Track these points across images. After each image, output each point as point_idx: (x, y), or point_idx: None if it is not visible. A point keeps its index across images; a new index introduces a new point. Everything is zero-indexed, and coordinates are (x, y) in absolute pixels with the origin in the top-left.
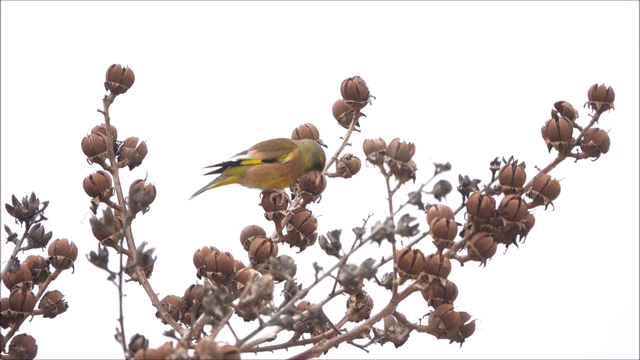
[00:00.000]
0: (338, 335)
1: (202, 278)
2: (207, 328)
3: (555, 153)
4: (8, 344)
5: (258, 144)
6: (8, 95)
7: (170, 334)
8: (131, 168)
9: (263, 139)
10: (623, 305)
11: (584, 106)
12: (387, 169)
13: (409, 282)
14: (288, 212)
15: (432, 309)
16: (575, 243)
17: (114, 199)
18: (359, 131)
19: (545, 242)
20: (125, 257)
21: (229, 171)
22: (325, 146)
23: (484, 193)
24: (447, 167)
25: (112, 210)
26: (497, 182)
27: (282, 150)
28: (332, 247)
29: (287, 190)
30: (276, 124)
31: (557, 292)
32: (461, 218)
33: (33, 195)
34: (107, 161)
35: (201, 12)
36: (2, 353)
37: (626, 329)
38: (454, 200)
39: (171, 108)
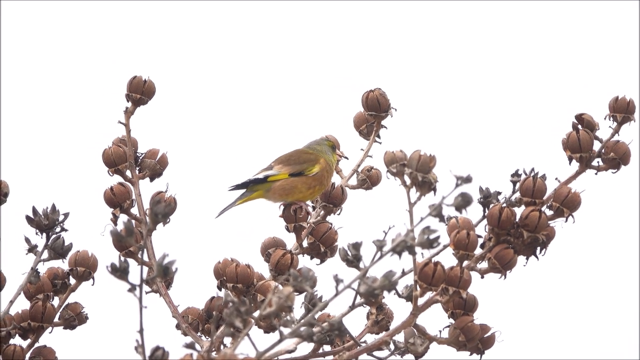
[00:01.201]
0: (358, 347)
1: (223, 290)
2: (227, 340)
3: (575, 165)
4: (28, 355)
5: (281, 158)
6: (28, 107)
7: (190, 345)
8: (152, 180)
9: (283, 153)
10: None
11: (605, 118)
12: (408, 181)
13: (429, 295)
14: (309, 224)
15: (452, 321)
16: (594, 255)
17: (134, 210)
18: (380, 143)
19: (566, 254)
20: (145, 269)
21: (254, 187)
22: (347, 158)
23: (504, 205)
24: (467, 179)
25: (133, 221)
26: (517, 194)
27: (307, 163)
28: (353, 259)
29: (308, 202)
30: (297, 135)
31: (576, 304)
32: (482, 230)
33: (54, 206)
34: (128, 173)
35: (221, 23)
36: None
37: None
38: (474, 212)
39: (192, 119)
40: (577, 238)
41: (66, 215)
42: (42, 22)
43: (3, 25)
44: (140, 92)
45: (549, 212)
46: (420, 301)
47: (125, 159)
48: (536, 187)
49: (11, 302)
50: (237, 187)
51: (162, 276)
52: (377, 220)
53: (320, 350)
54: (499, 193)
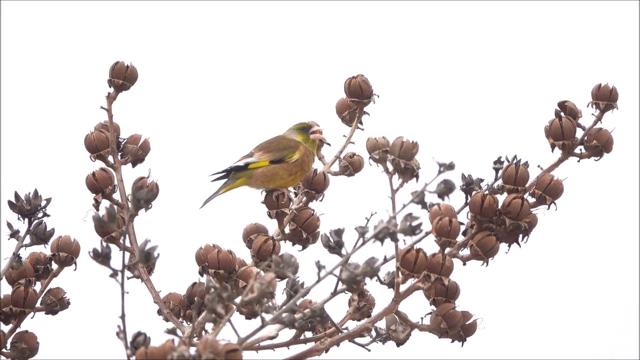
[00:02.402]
0: (340, 334)
1: (204, 276)
2: (209, 326)
3: (558, 153)
4: (10, 340)
5: (261, 145)
6: (10, 93)
7: (172, 331)
8: (134, 165)
9: (263, 140)
10: (623, 305)
11: (588, 106)
12: (390, 167)
13: (411, 281)
14: (290, 210)
15: (434, 308)
16: (576, 242)
17: (116, 196)
18: (363, 129)
19: (548, 242)
20: (127, 255)
21: (236, 174)
22: (329, 144)
23: (486, 192)
24: (450, 166)
25: (115, 207)
26: (500, 182)
27: (288, 150)
28: (335, 245)
29: (290, 189)
30: (279, 122)
31: (558, 292)
32: (464, 217)
33: (35, 191)
34: (110, 158)
35: (203, 11)
36: (4, 350)
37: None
38: (456, 199)
39: (173, 105)
40: (559, 225)
41: (48, 200)
42: (19, 11)
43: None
44: (122, 78)
45: (532, 200)
46: (402, 288)
47: (108, 145)
48: (518, 174)
49: None
50: (219, 176)
51: (144, 262)
52: (360, 206)
53: (302, 337)
54: (482, 180)
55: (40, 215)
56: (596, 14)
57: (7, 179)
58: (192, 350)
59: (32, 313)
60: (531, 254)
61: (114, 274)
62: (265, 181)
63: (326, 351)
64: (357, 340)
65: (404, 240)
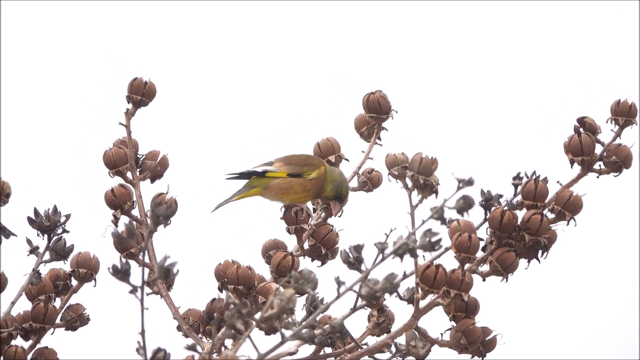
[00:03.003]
0: (359, 350)
1: (224, 292)
2: (229, 342)
3: (577, 168)
4: (29, 357)
5: (285, 157)
6: (29, 108)
7: (191, 347)
8: (152, 181)
9: (291, 153)
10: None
11: (607, 122)
12: (410, 183)
13: (430, 297)
14: (310, 226)
15: (453, 323)
16: (595, 258)
17: (135, 212)
18: (381, 145)
19: (567, 257)
20: (146, 271)
21: (252, 182)
22: (347, 160)
23: (506, 208)
24: (469, 182)
25: (134, 223)
26: (519, 197)
27: (308, 167)
28: (354, 261)
29: (309, 204)
30: (298, 137)
31: (577, 307)
32: (483, 233)
33: (55, 208)
34: (129, 174)
35: (223, 26)
36: None
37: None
38: (476, 215)
39: (193, 121)
40: (578, 241)
41: (67, 216)
42: (43, 23)
43: (3, 25)
44: (141, 94)
45: (551, 215)
46: (422, 304)
47: (126, 161)
48: (538, 190)
49: (12, 303)
50: (235, 176)
51: (163, 278)
52: (379, 222)
53: (322, 353)
54: (501, 196)
55: (59, 231)
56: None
57: (27, 195)
58: None
59: (51, 329)
60: (551, 270)
61: (133, 290)
62: (279, 193)
63: None
64: (376, 356)
65: (423, 256)
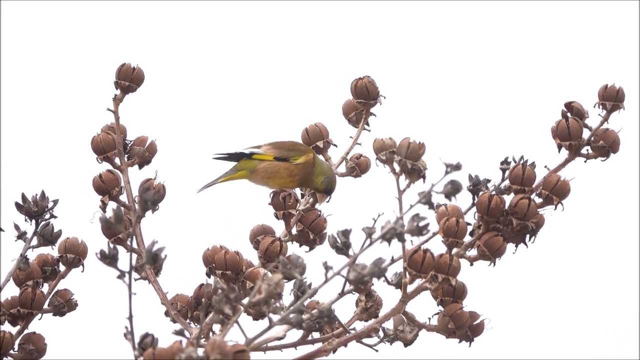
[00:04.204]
0: (347, 335)
1: (212, 277)
2: (217, 327)
3: (565, 153)
4: (17, 342)
5: (273, 142)
6: (15, 93)
7: (179, 332)
8: (141, 167)
9: (280, 139)
10: (631, 304)
11: (594, 106)
12: (397, 168)
13: (418, 282)
14: (297, 212)
15: (441, 308)
16: (583, 242)
17: (123, 197)
18: (369, 131)
19: (555, 242)
20: (134, 256)
21: (239, 165)
22: (335, 145)
23: (493, 193)
24: (457, 166)
25: (122, 209)
26: (507, 182)
27: (295, 152)
28: (342, 246)
29: (297, 190)
30: (287, 123)
31: (565, 291)
32: (471, 218)
33: (43, 193)
34: (117, 160)
35: (208, 10)
36: (12, 351)
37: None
38: (463, 199)
39: (180, 107)
40: (566, 226)
41: (55, 202)
42: (34, 10)
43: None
44: (129, 80)
45: (538, 200)
46: (410, 288)
47: (114, 147)
48: (525, 174)
49: (0, 288)
50: (223, 156)
51: (151, 263)
52: (366, 207)
53: (310, 338)
54: (489, 181)
55: (47, 216)
56: (600, 13)
57: (14, 180)
58: (200, 352)
59: (39, 314)
60: (538, 255)
61: (121, 276)
62: (265, 177)
63: (334, 352)
64: (364, 340)
65: (411, 240)
